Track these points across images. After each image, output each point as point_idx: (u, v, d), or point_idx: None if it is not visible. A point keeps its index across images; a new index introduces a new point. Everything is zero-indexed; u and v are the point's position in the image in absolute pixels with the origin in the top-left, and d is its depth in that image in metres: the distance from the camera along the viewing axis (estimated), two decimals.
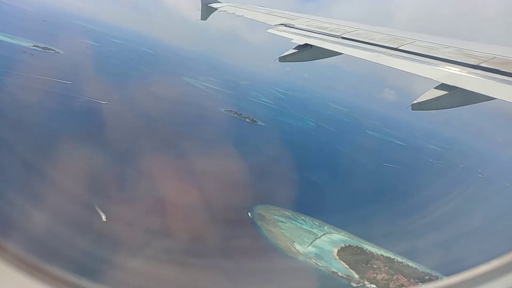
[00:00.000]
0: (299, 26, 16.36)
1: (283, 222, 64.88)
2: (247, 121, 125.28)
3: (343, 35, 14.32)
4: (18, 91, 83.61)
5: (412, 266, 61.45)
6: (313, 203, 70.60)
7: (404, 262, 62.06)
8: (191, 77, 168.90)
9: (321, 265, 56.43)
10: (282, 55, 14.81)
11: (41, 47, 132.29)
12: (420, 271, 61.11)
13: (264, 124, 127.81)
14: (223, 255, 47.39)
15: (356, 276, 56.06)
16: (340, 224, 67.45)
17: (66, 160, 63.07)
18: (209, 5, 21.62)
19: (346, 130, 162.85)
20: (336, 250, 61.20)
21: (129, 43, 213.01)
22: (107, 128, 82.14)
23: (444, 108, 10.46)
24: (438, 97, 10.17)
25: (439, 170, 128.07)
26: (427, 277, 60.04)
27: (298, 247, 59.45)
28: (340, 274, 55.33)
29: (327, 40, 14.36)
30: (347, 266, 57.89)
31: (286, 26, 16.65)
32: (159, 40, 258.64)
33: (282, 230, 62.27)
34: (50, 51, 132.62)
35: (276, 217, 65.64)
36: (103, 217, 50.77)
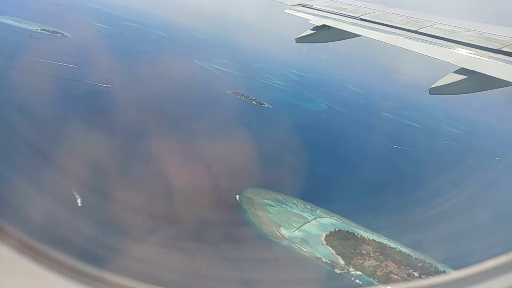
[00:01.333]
0: (317, 6, 16.32)
1: (272, 206, 63.19)
2: (253, 104, 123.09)
3: (362, 17, 14.30)
4: (14, 74, 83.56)
5: (405, 253, 59.21)
6: (305, 186, 68.32)
7: (397, 248, 59.82)
8: (202, 59, 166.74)
9: (305, 250, 54.64)
10: (299, 36, 14.93)
11: (49, 31, 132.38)
12: (413, 258, 58.85)
13: (271, 107, 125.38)
14: (194, 240, 46.10)
15: (342, 262, 54.13)
16: (332, 208, 65.44)
17: (53, 144, 62.99)
18: None
19: (359, 112, 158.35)
20: (324, 235, 59.25)
21: (143, 26, 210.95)
22: (102, 111, 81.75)
23: (462, 93, 10.61)
24: (457, 81, 10.16)
25: (452, 152, 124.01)
26: (420, 264, 57.91)
27: (283, 231, 57.73)
28: (324, 260, 53.46)
29: (345, 22, 14.36)
30: (333, 252, 55.95)
31: (303, 6, 16.68)
32: (175, 23, 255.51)
33: (269, 214, 60.65)
34: (57, 34, 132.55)
35: (265, 200, 63.99)
36: (79, 202, 50.03)
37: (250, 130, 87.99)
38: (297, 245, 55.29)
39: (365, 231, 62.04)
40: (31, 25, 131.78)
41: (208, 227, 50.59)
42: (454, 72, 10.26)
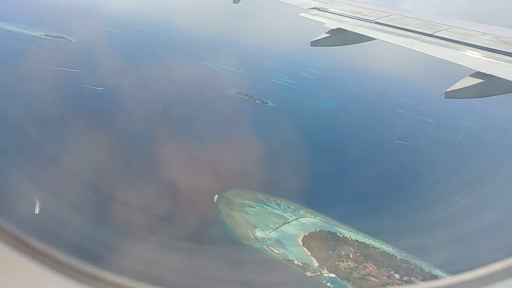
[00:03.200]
0: (332, 10, 16.48)
1: (252, 206, 60.89)
2: (257, 103, 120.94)
3: (377, 20, 14.35)
4: (5, 80, 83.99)
5: (389, 253, 56.08)
6: (292, 186, 65.67)
7: (381, 248, 56.73)
8: (211, 60, 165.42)
9: (277, 252, 52.07)
10: (314, 39, 14.98)
11: (53, 36, 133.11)
12: (398, 258, 55.67)
13: (275, 106, 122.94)
14: (156, 245, 44.41)
15: (316, 264, 51.37)
16: (316, 207, 62.74)
17: (46, 147, 63.05)
18: None
19: (370, 109, 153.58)
20: (302, 236, 56.54)
21: (154, 29, 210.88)
22: (97, 115, 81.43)
23: (478, 97, 10.56)
24: (473, 85, 10.15)
25: (463, 147, 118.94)
26: (404, 265, 54.81)
27: (258, 233, 55.32)
28: (296, 263, 50.79)
29: (360, 25, 14.40)
30: (309, 253, 53.18)
31: (319, 10, 16.84)
32: (189, 25, 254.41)
33: (246, 216, 58.38)
34: (61, 39, 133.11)
35: (245, 201, 61.77)
36: (36, 210, 48.97)
37: (247, 130, 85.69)
38: (269, 247, 52.79)
39: (350, 231, 59.12)
40: (36, 31, 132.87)
41: (174, 231, 48.94)
42: (470, 75, 10.21)
